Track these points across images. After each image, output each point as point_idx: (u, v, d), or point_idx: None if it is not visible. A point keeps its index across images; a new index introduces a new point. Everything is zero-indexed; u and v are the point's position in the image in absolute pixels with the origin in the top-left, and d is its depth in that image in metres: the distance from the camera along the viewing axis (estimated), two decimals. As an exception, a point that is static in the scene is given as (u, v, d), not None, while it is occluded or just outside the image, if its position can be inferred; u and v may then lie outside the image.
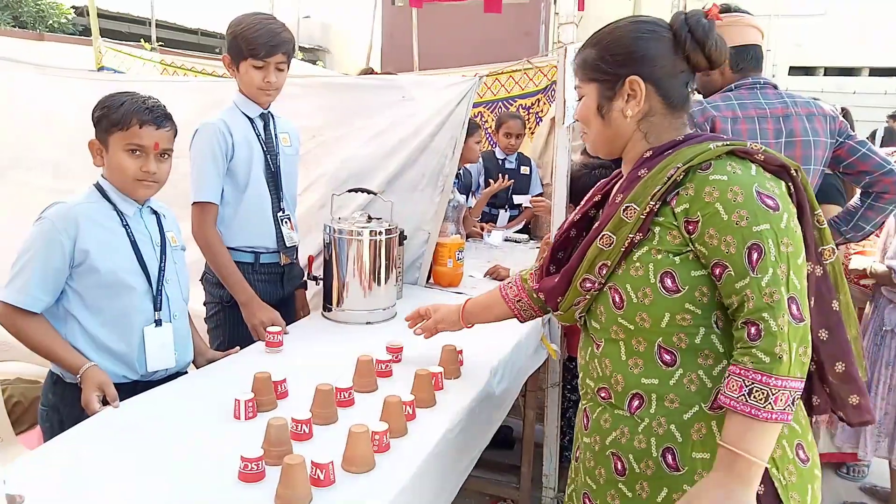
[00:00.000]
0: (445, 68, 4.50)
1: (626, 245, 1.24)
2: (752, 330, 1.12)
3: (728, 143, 1.21)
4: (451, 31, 11.23)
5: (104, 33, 6.12)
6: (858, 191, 2.41)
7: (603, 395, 1.34)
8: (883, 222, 2.43)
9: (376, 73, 3.55)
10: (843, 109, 3.11)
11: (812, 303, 1.22)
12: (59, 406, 1.77)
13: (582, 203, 1.49)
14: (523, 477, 2.83)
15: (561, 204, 2.41)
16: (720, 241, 1.15)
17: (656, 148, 1.29)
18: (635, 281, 1.24)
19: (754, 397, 1.09)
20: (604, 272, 1.28)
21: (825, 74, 15.79)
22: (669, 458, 1.23)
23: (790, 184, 1.22)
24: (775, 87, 2.29)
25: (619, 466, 1.30)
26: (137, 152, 1.76)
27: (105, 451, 1.41)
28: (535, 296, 1.65)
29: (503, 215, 4.09)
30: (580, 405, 1.44)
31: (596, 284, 1.30)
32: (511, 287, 1.72)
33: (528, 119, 4.48)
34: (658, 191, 1.20)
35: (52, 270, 1.71)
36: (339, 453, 1.37)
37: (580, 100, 1.37)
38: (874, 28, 15.15)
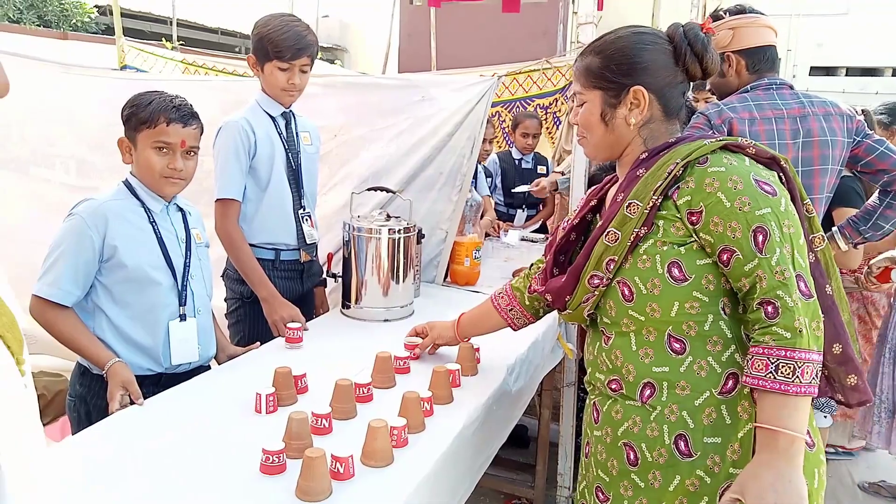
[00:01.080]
0: (463, 68, 4.50)
1: (632, 239, 1.29)
2: (769, 309, 1.16)
3: (720, 139, 1.28)
4: (469, 31, 11.24)
5: (126, 32, 6.20)
6: (877, 190, 2.40)
7: (613, 386, 1.37)
8: None
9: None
10: (863, 111, 3.09)
11: None
12: (87, 397, 1.81)
13: (578, 208, 1.54)
14: (538, 476, 2.85)
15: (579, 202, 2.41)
16: (725, 227, 1.20)
17: (651, 150, 1.35)
18: (643, 273, 1.29)
19: (782, 373, 1.13)
20: (611, 267, 1.32)
21: (847, 75, 15.59)
22: (682, 444, 1.27)
23: (780, 174, 1.29)
24: (791, 87, 2.28)
25: (632, 456, 1.33)
26: (165, 149, 1.80)
27: (129, 444, 1.45)
28: (527, 303, 1.72)
29: (520, 215, 4.10)
30: (588, 400, 1.47)
31: (604, 280, 1.34)
32: (502, 297, 1.79)
33: (546, 119, 4.49)
34: (659, 186, 1.26)
35: (83, 265, 1.75)
36: (359, 447, 1.39)
37: (580, 105, 1.42)
38: (897, 28, 14.93)
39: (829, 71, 16.21)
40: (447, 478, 1.51)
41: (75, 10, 12.79)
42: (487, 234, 3.65)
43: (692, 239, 1.25)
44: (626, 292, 1.31)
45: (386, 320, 2.30)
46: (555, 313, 2.39)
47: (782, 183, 1.28)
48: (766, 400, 1.16)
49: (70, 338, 1.75)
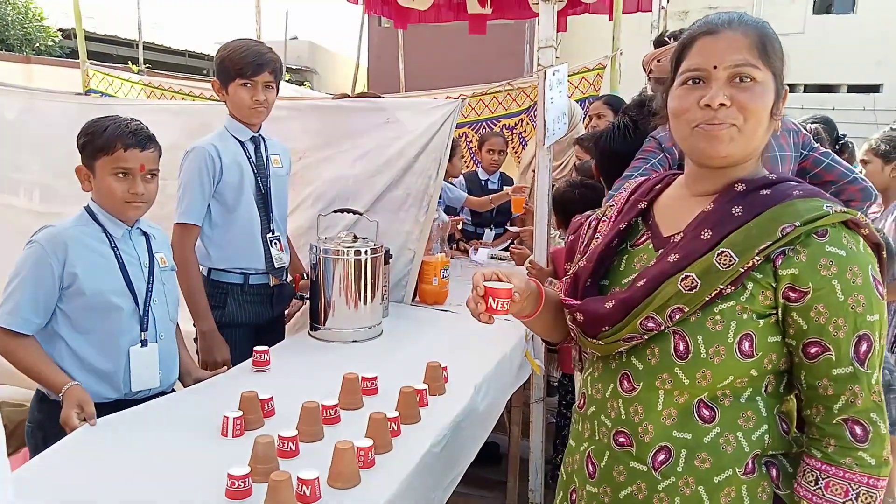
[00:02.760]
0: (432, 89, 4.57)
1: (712, 295, 1.09)
2: (858, 430, 1.05)
3: (844, 211, 1.08)
4: (437, 52, 11.37)
5: (92, 56, 6.16)
6: None
7: (621, 440, 1.19)
8: None
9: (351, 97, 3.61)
10: (821, 125, 3.21)
11: None
12: (45, 423, 1.79)
13: (623, 210, 1.30)
14: (509, 492, 2.86)
15: (543, 223, 2.45)
16: (829, 320, 1.05)
17: (748, 182, 1.14)
18: (711, 335, 1.10)
19: (862, 500, 1.05)
20: (676, 317, 1.11)
21: (805, 91, 16.05)
22: None
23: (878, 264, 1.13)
24: None
25: None
26: (124, 175, 1.80)
27: (91, 468, 1.44)
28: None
29: (489, 234, 4.14)
30: (580, 448, 1.28)
31: (661, 327, 1.13)
32: None
33: (512, 139, 4.56)
34: (767, 246, 1.07)
35: (43, 293, 1.74)
36: (326, 469, 1.40)
37: (740, 83, 1.10)
38: (851, 46, 15.46)
39: (789, 87, 16.70)
40: (415, 497, 1.52)
41: (38, 34, 12.67)
42: (458, 250, 3.68)
43: (774, 311, 1.09)
44: (682, 348, 1.11)
45: (354, 341, 2.31)
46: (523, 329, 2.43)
47: None
48: None
49: (29, 366, 1.74)
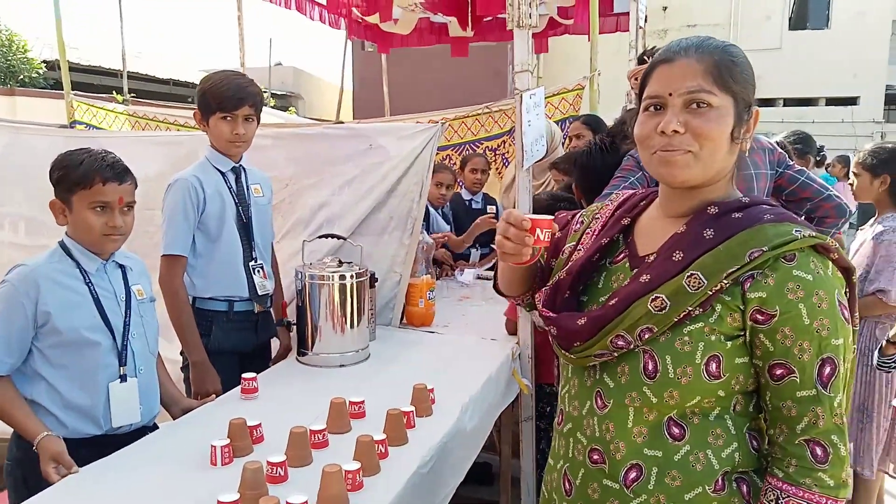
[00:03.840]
0: (416, 113, 4.63)
1: (681, 316, 1.12)
2: (819, 451, 1.07)
3: (813, 235, 1.10)
4: (421, 75, 11.49)
5: (77, 86, 6.19)
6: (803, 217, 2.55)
7: (595, 457, 1.21)
8: None
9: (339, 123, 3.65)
10: (777, 142, 3.29)
11: None
12: (24, 461, 1.76)
13: (608, 224, 1.32)
14: (502, 512, 2.86)
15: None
16: (794, 343, 1.07)
17: (721, 205, 1.16)
18: (679, 356, 1.12)
19: None
20: (646, 336, 1.14)
21: (785, 105, 16.32)
22: None
23: (847, 288, 1.15)
24: None
25: None
26: (102, 209, 1.80)
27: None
28: (528, 300, 1.46)
29: (475, 254, 4.18)
30: (558, 465, 1.31)
31: (631, 345, 1.15)
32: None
33: (496, 160, 4.62)
34: (735, 271, 1.09)
35: (16, 332, 1.74)
36: (315, 493, 1.41)
37: (698, 104, 1.12)
38: (827, 60, 15.76)
39: (767, 102, 16.95)
40: (404, 519, 1.53)
41: (22, 66, 12.69)
42: (441, 276, 3.71)
43: (742, 333, 1.11)
44: (651, 367, 1.14)
45: (341, 365, 2.32)
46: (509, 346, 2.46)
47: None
48: None
49: (1, 409, 1.73)
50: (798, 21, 16.86)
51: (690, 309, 1.11)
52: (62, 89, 5.64)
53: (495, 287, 1.56)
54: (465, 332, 2.75)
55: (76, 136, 3.82)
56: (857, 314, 1.19)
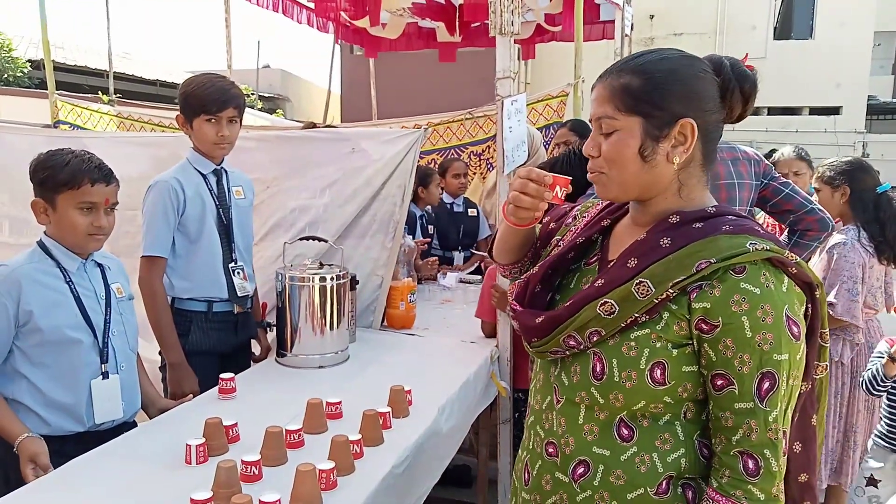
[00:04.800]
0: (403, 116, 4.66)
1: (628, 322, 1.14)
2: (750, 464, 1.09)
3: (768, 249, 1.10)
4: (409, 79, 11.53)
5: (63, 86, 6.18)
6: (786, 230, 2.61)
7: (550, 450, 1.26)
8: (809, 258, 2.60)
9: (319, 126, 3.67)
10: (800, 148, 3.41)
11: (796, 418, 1.20)
12: (6, 458, 1.77)
13: (586, 225, 1.36)
14: (480, 514, 2.88)
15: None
16: (735, 355, 1.08)
17: (683, 214, 1.18)
18: (625, 360, 1.14)
19: None
20: (594, 339, 1.17)
21: (769, 114, 16.48)
22: None
23: (809, 304, 1.15)
24: None
25: None
26: (88, 209, 1.82)
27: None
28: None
29: (458, 256, 4.20)
30: (522, 456, 1.35)
31: (581, 346, 1.19)
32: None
33: (480, 165, 4.65)
34: (681, 280, 1.10)
35: None
36: (289, 493, 1.43)
37: (605, 133, 1.18)
38: (811, 71, 15.95)
39: (753, 111, 17.15)
40: (377, 518, 1.55)
41: (7, 66, 12.61)
42: (426, 279, 3.73)
43: (689, 343, 1.12)
44: (598, 369, 1.17)
45: (321, 367, 2.34)
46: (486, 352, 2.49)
47: (807, 314, 1.15)
48: None
49: None
50: (783, 31, 17.05)
51: (637, 315, 1.13)
52: (47, 89, 5.62)
53: (490, 254, 1.59)
54: (445, 335, 2.78)
55: (58, 136, 3.80)
56: (825, 329, 1.20)
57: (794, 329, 1.09)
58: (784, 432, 1.10)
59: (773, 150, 8.18)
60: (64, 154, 1.83)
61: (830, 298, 2.86)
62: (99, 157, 1.88)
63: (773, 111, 16.67)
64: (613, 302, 1.15)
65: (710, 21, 16.63)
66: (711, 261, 1.09)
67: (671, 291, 1.11)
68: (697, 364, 1.13)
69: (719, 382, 1.11)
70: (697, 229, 1.15)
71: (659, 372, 1.13)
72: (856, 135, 16.19)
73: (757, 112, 17.66)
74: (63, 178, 1.79)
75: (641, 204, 1.23)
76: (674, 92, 1.14)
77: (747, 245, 1.10)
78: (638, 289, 1.13)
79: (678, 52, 1.19)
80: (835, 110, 16.23)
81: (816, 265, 3.04)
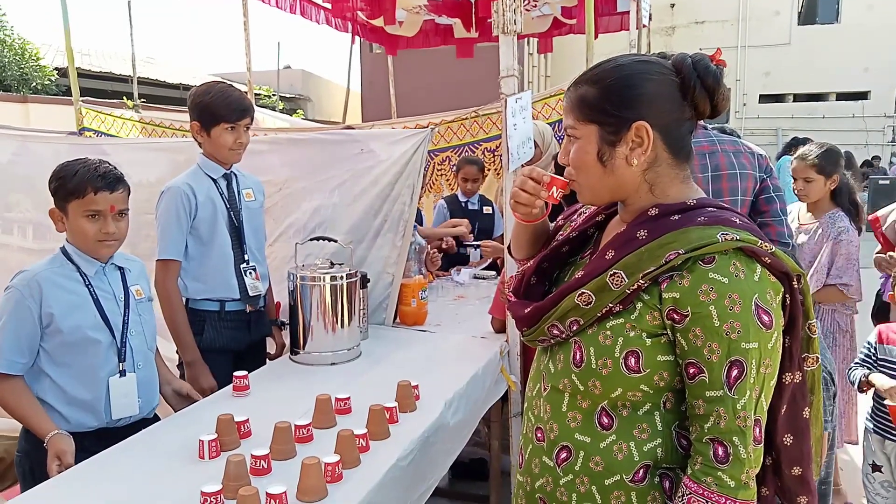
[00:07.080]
0: (422, 114, 4.69)
1: (604, 311, 1.19)
2: (720, 451, 1.11)
3: (739, 238, 1.12)
4: (427, 76, 11.57)
5: (89, 92, 6.32)
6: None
7: (538, 435, 1.32)
8: None
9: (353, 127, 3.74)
10: (847, 153, 3.49)
11: (784, 409, 1.22)
12: (32, 452, 1.87)
13: (582, 219, 1.42)
14: (493, 506, 2.92)
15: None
16: (704, 344, 1.11)
17: (663, 206, 1.21)
18: (601, 348, 1.19)
19: None
20: (574, 328, 1.23)
21: (795, 101, 16.22)
22: None
23: (787, 293, 1.17)
24: (705, 127, 2.48)
25: None
26: (95, 216, 1.90)
27: (75, 500, 1.52)
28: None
29: (475, 253, 4.23)
30: (520, 441, 1.42)
31: (563, 335, 1.26)
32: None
33: (494, 161, 4.67)
34: (652, 271, 1.14)
35: (25, 333, 1.85)
36: (296, 485, 1.48)
37: (571, 141, 1.26)
38: (837, 55, 15.63)
39: (777, 98, 16.86)
40: (382, 509, 1.60)
41: (35, 74, 12.90)
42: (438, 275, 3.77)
43: (664, 332, 1.16)
44: (578, 357, 1.22)
45: (333, 363, 2.40)
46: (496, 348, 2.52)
47: (786, 304, 1.17)
48: None
49: (14, 408, 1.84)
50: (807, 16, 16.75)
51: (612, 305, 1.18)
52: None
53: (508, 250, 1.67)
54: (456, 331, 2.81)
55: (79, 144, 3.93)
56: (811, 320, 1.22)
57: (765, 318, 1.11)
58: (758, 420, 1.12)
59: (796, 139, 8.01)
60: (75, 164, 1.91)
61: (846, 280, 3.06)
62: (108, 165, 1.95)
63: (798, 98, 16.40)
64: (590, 292, 1.20)
65: (733, 8, 16.40)
66: (680, 251, 1.13)
67: (642, 282, 1.15)
68: (673, 353, 1.16)
69: (692, 371, 1.14)
70: (674, 221, 1.19)
71: (633, 360, 1.17)
72: (885, 119, 15.85)
73: (782, 99, 17.36)
74: (70, 188, 1.88)
75: (622, 202, 1.29)
76: (624, 97, 1.19)
77: (717, 236, 1.13)
78: (612, 279, 1.18)
79: (633, 57, 1.24)
80: (863, 95, 15.92)
81: (823, 252, 3.08)
